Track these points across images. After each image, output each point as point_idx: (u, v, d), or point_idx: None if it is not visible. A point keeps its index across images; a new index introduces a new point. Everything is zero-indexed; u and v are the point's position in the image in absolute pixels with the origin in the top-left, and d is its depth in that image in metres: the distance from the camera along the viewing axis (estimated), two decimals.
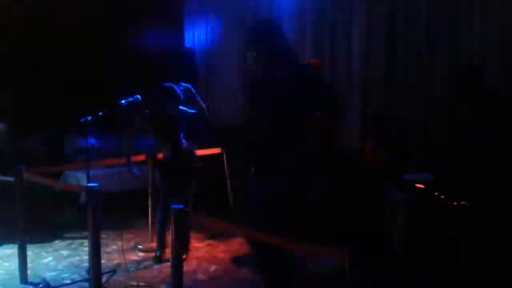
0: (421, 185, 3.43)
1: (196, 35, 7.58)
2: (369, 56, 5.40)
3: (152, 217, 4.72)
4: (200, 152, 4.73)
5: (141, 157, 5.02)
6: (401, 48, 5.15)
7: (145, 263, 4.27)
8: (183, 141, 4.32)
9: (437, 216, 3.21)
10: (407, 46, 5.08)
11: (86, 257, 4.13)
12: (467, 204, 3.05)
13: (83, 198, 5.14)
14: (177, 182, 4.26)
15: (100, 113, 3.78)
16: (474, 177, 3.28)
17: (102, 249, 3.95)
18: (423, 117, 4.96)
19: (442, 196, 3.20)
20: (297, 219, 2.79)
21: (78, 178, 5.26)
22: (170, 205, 4.23)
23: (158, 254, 4.36)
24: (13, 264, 4.02)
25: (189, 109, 4.35)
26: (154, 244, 4.55)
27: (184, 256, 4.30)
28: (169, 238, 4.25)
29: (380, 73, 5.32)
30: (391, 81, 5.24)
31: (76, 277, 3.95)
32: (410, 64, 5.05)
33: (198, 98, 4.43)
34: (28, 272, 3.80)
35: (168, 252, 4.29)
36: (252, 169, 2.86)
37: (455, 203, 3.08)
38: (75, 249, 4.69)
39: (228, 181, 5.48)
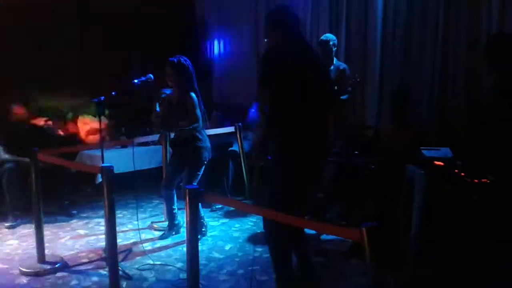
0: (440, 162, 3.35)
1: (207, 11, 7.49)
2: (386, 33, 5.27)
3: None
4: (213, 131, 4.69)
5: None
6: (419, 23, 5.01)
7: (161, 242, 4.29)
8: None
9: (457, 193, 3.13)
10: (425, 21, 4.94)
11: (103, 236, 4.16)
12: (488, 181, 2.98)
13: (98, 178, 5.17)
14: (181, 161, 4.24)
15: (113, 93, 3.74)
16: (495, 153, 3.19)
17: (118, 228, 3.98)
18: (442, 92, 4.85)
19: (462, 174, 3.13)
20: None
21: (93, 158, 5.27)
22: (170, 183, 4.29)
23: (165, 232, 4.42)
24: (31, 243, 4.06)
25: None
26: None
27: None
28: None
29: (398, 49, 5.20)
30: (409, 57, 5.12)
31: (93, 256, 3.98)
32: (428, 39, 4.92)
33: None
34: (46, 251, 3.83)
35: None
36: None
37: (476, 181, 3.01)
38: (91, 228, 4.72)
39: (242, 158, 5.46)
